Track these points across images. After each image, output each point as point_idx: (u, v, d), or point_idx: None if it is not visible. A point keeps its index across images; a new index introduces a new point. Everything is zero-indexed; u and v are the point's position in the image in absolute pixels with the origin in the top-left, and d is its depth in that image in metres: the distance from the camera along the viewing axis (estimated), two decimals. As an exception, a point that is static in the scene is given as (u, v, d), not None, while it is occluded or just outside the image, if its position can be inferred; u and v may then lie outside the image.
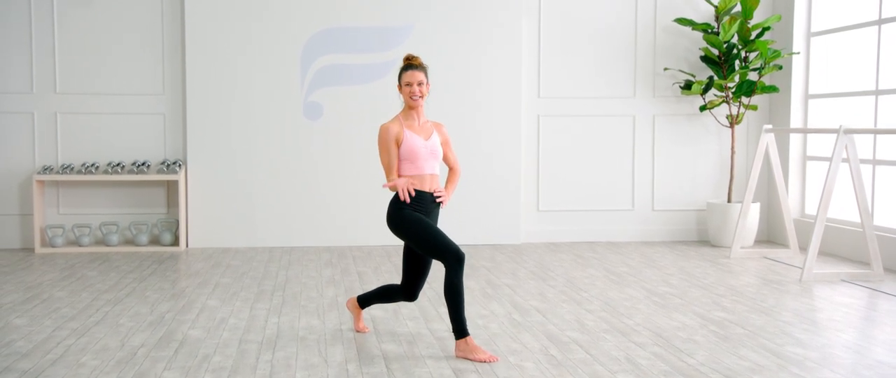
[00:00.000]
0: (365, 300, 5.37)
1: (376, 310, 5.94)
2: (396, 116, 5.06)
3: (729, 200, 8.97)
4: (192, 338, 5.26)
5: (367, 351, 5.00)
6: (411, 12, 8.91)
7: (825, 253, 8.43)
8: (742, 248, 8.56)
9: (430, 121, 5.15)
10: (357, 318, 5.43)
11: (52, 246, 8.51)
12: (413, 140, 4.97)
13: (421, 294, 6.26)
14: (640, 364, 4.75)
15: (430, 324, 5.61)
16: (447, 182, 5.21)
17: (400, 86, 5.05)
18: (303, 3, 8.80)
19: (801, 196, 9.07)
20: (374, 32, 8.89)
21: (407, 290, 5.19)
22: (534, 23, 9.16)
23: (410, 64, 5.04)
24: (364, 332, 5.39)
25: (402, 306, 6.04)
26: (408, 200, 4.89)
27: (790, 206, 8.86)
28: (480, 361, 4.78)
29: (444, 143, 5.17)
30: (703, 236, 9.40)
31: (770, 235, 9.45)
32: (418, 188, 4.96)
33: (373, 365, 4.73)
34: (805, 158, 9.03)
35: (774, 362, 4.79)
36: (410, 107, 5.05)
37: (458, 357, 4.84)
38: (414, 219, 4.90)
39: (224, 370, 4.62)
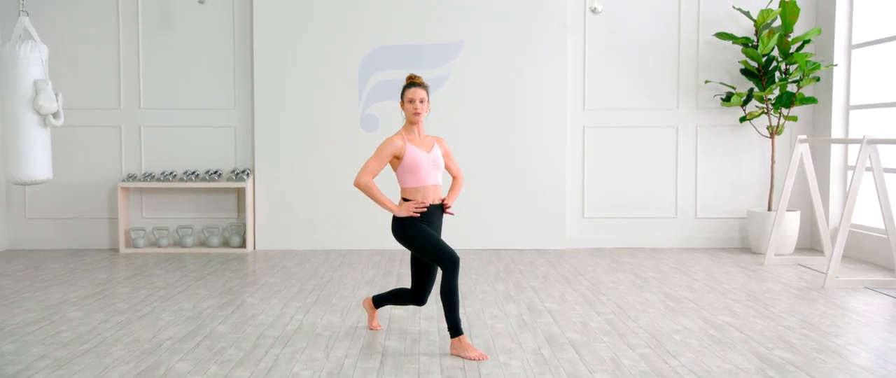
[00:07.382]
0: (379, 301, 5.69)
1: (397, 309, 6.28)
2: (399, 132, 5.34)
3: (769, 209, 9.12)
4: (218, 332, 5.69)
5: (370, 347, 5.31)
6: (462, 30, 9.36)
7: (860, 260, 8.50)
8: (777, 255, 8.71)
9: (429, 135, 5.44)
10: (371, 317, 5.77)
11: (135, 247, 9.34)
12: (415, 153, 5.26)
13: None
14: (622, 364, 4.90)
15: (442, 323, 5.87)
16: (451, 189, 5.49)
17: (402, 102, 5.33)
18: (361, 23, 9.37)
19: (841, 205, 9.11)
20: (427, 50, 9.37)
21: (415, 294, 5.48)
22: (579, 38, 9.49)
23: (413, 82, 5.33)
24: (377, 330, 5.76)
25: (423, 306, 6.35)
26: (419, 216, 5.24)
27: (828, 214, 8.97)
28: (471, 359, 5.05)
29: (446, 155, 5.46)
30: (745, 244, 9.56)
31: (813, 243, 9.53)
32: (422, 200, 5.30)
33: (369, 360, 5.02)
34: (845, 168, 9.10)
35: (755, 365, 4.87)
36: (412, 122, 5.31)
37: (452, 355, 5.11)
38: (415, 228, 5.22)
39: (231, 362, 4.99)
